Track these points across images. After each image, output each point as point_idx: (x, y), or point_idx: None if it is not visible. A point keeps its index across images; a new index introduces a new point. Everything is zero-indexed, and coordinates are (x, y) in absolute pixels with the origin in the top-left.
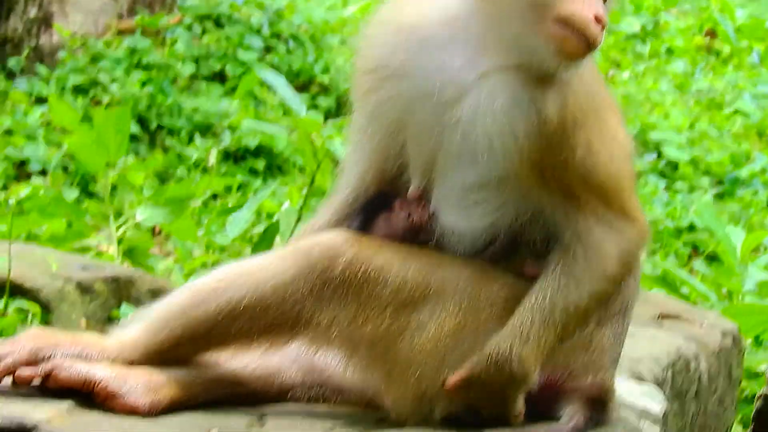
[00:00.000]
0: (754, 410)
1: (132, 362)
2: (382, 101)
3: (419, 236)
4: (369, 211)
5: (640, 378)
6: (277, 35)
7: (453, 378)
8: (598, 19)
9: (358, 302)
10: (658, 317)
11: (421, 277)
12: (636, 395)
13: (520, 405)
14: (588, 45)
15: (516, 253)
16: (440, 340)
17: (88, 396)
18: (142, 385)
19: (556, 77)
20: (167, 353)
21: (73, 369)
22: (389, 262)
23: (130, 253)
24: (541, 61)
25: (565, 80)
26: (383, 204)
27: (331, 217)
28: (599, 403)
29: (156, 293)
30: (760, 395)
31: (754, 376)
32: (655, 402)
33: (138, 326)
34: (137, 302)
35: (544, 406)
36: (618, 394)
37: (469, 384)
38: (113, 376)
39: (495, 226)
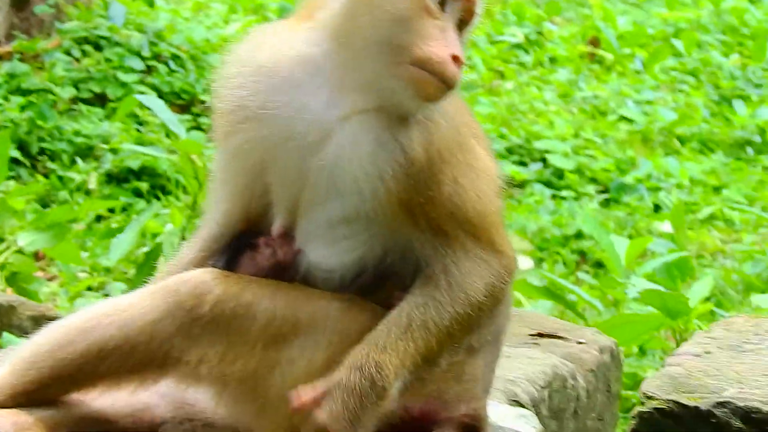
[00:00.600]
0: (629, 429)
1: None
2: (243, 143)
3: (285, 273)
4: (234, 249)
5: (515, 400)
6: (157, 56)
7: (311, 392)
8: (455, 59)
9: (227, 339)
10: (534, 336)
11: (290, 312)
12: (510, 419)
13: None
14: (447, 86)
15: (385, 285)
16: (311, 374)
17: None
18: (10, 425)
19: (417, 116)
20: (34, 394)
21: None
22: (257, 298)
23: (13, 279)
24: (400, 102)
25: (428, 118)
26: (248, 242)
27: (196, 254)
28: (473, 430)
29: (38, 320)
30: (635, 414)
31: (639, 384)
32: (529, 425)
33: (5, 367)
34: (19, 330)
35: None
36: (492, 420)
37: (329, 396)
38: None
39: (363, 260)
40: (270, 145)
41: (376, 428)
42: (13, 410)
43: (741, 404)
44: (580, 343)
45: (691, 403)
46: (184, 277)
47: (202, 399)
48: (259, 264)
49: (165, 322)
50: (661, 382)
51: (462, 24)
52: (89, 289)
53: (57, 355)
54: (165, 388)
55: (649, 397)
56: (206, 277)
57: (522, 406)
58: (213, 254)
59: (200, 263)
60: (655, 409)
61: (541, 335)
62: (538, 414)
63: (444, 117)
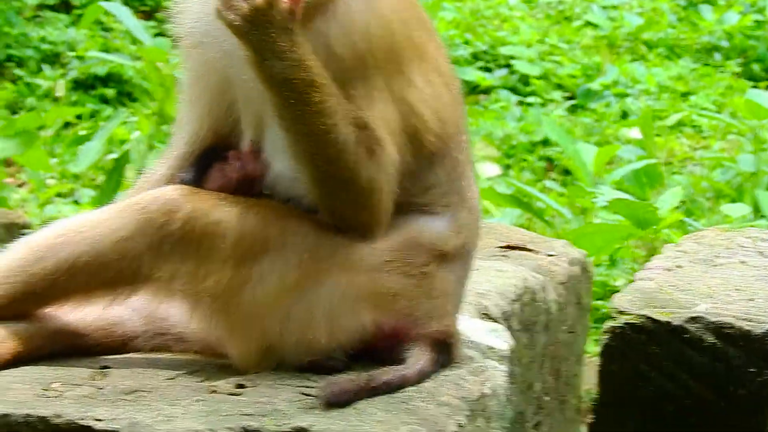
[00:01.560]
0: (601, 346)
1: None
2: (200, 65)
3: (254, 187)
4: (203, 164)
5: (486, 314)
6: None
7: None
8: None
9: (197, 256)
10: (503, 248)
11: (260, 229)
12: (482, 333)
13: None
14: None
15: None
16: (282, 291)
17: None
18: None
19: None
20: (7, 309)
21: None
22: (228, 215)
23: None
24: None
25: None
26: (218, 157)
27: (166, 171)
28: (444, 346)
29: (9, 228)
30: (607, 329)
31: (610, 294)
32: (501, 339)
33: None
34: None
35: (389, 353)
36: (464, 334)
37: None
38: None
39: None
40: (229, 63)
41: (348, 346)
42: None
43: (713, 319)
44: (550, 255)
45: (663, 318)
46: (154, 194)
47: (173, 313)
48: (228, 176)
49: (135, 239)
50: (633, 297)
51: None
52: (59, 195)
53: (28, 270)
54: (137, 303)
55: (621, 312)
56: (176, 194)
57: (493, 320)
58: (182, 170)
59: (171, 180)
60: (627, 324)
61: (510, 247)
62: (509, 328)
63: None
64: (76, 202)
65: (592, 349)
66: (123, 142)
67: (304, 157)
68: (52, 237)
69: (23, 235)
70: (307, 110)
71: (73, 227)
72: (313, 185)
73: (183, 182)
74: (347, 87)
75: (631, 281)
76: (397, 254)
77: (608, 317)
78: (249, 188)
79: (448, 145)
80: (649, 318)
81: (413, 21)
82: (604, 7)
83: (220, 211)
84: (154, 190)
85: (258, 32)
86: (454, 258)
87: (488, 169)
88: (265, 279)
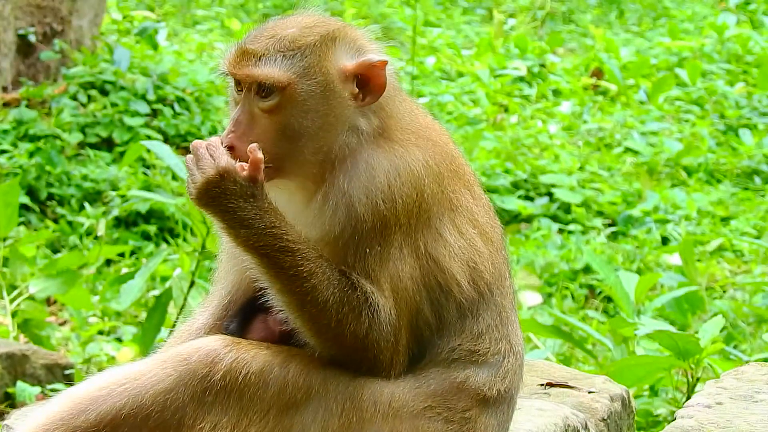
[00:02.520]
0: None
1: None
2: None
3: (296, 336)
4: (246, 314)
5: None
6: (162, 99)
7: None
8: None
9: (240, 407)
10: (545, 386)
11: (302, 378)
12: None
13: None
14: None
15: None
16: None
17: None
18: None
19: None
20: None
21: None
22: (269, 364)
23: (26, 325)
24: None
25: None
26: (259, 306)
27: (207, 320)
28: None
29: (51, 368)
30: None
31: (653, 425)
32: None
33: None
34: (32, 378)
35: None
36: None
37: None
38: None
39: None
40: None
41: None
42: None
43: None
44: (591, 392)
45: None
46: (196, 345)
47: None
48: (271, 327)
49: (177, 390)
50: None
51: (259, 95)
52: (100, 333)
53: (70, 423)
54: None
55: None
56: (217, 344)
57: None
58: (223, 320)
59: (212, 329)
60: None
61: (551, 385)
62: None
63: (402, 177)
64: (118, 340)
65: None
66: (165, 279)
67: (291, 314)
68: (94, 389)
69: (64, 375)
70: (281, 273)
71: (115, 379)
72: (309, 338)
73: (226, 332)
74: (363, 245)
75: (672, 412)
76: (439, 400)
77: None
78: (292, 338)
79: (491, 292)
80: None
81: (445, 174)
82: (644, 134)
83: (262, 361)
84: (195, 341)
85: (216, 203)
86: (497, 402)
87: (530, 299)
88: (307, 428)
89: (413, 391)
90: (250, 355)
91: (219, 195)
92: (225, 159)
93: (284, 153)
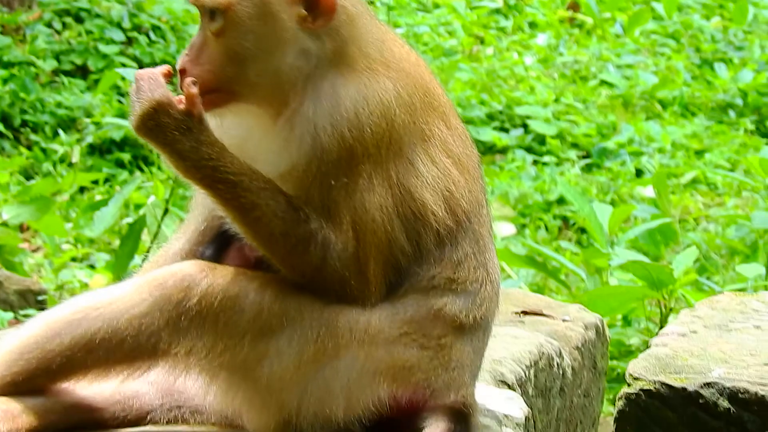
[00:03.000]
0: (615, 410)
1: None
2: None
3: (271, 266)
4: (222, 240)
5: (502, 380)
6: (137, 27)
7: None
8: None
9: (215, 332)
10: (519, 314)
11: (277, 304)
12: (497, 402)
13: None
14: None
15: None
16: (300, 366)
17: None
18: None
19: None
20: (23, 384)
21: None
22: (244, 290)
23: None
24: None
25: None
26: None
27: (183, 245)
28: (461, 416)
29: (24, 294)
30: (621, 395)
31: (625, 354)
32: (516, 407)
33: None
34: (5, 304)
35: (406, 424)
36: (480, 402)
37: None
38: None
39: None
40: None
41: (365, 418)
42: (2, 398)
43: (728, 385)
44: (565, 320)
45: (678, 384)
46: (171, 270)
47: (190, 387)
48: (246, 254)
49: (152, 315)
50: (648, 363)
51: (209, 18)
52: (73, 260)
53: (45, 346)
54: (154, 376)
55: (636, 378)
56: (193, 269)
57: (508, 386)
58: (199, 246)
59: (188, 255)
60: (642, 390)
61: (526, 313)
62: (524, 393)
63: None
64: (91, 267)
65: (606, 409)
66: (138, 206)
67: (247, 241)
68: (69, 313)
69: (37, 301)
70: (226, 204)
71: (89, 304)
72: (273, 265)
73: (202, 257)
74: (328, 177)
75: (646, 342)
76: (415, 326)
77: (623, 380)
78: (266, 266)
79: (470, 220)
80: (664, 384)
81: (418, 104)
82: (620, 66)
83: (238, 286)
84: (171, 266)
85: (153, 134)
86: (473, 329)
87: (504, 229)
88: (282, 353)
89: (389, 318)
90: (226, 281)
91: (154, 127)
92: (160, 92)
93: (232, 76)
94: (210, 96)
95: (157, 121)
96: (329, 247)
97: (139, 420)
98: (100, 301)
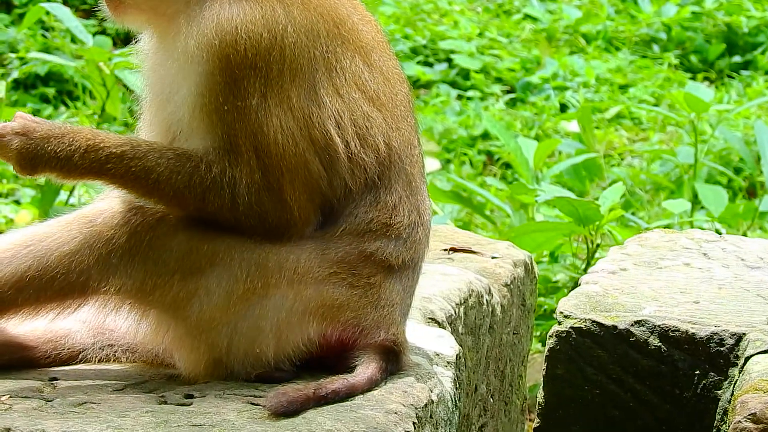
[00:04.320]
0: (546, 348)
1: None
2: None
3: None
4: None
5: (432, 318)
6: None
7: None
8: None
9: (144, 270)
10: (448, 251)
11: (206, 243)
12: (428, 340)
13: None
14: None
15: None
16: (230, 305)
17: None
18: None
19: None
20: None
21: None
22: (174, 229)
23: None
24: None
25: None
26: None
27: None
28: (392, 354)
29: None
30: (552, 333)
31: (552, 291)
32: (447, 345)
33: None
34: None
35: (337, 362)
36: (411, 341)
37: None
38: None
39: None
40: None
41: (296, 357)
42: None
43: (659, 323)
44: (494, 257)
45: (609, 322)
46: (101, 207)
47: (122, 325)
48: None
49: (82, 252)
50: (578, 301)
51: None
52: None
53: None
54: (85, 315)
55: (566, 317)
56: (123, 207)
57: (438, 324)
58: None
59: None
60: (573, 328)
61: (455, 250)
62: (454, 331)
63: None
64: (16, 203)
65: (533, 346)
66: None
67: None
68: None
69: None
70: (123, 182)
71: (19, 241)
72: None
73: None
74: (218, 98)
75: (573, 278)
76: (344, 266)
77: (550, 317)
78: None
79: (401, 161)
80: (594, 322)
81: (322, 31)
82: (543, 1)
83: (168, 226)
84: (101, 203)
85: (32, 159)
86: (402, 268)
87: (428, 164)
88: (212, 292)
89: (319, 258)
90: (156, 219)
91: (31, 150)
92: (11, 125)
93: None
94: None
95: (31, 143)
96: (235, 186)
97: (71, 359)
98: (31, 238)
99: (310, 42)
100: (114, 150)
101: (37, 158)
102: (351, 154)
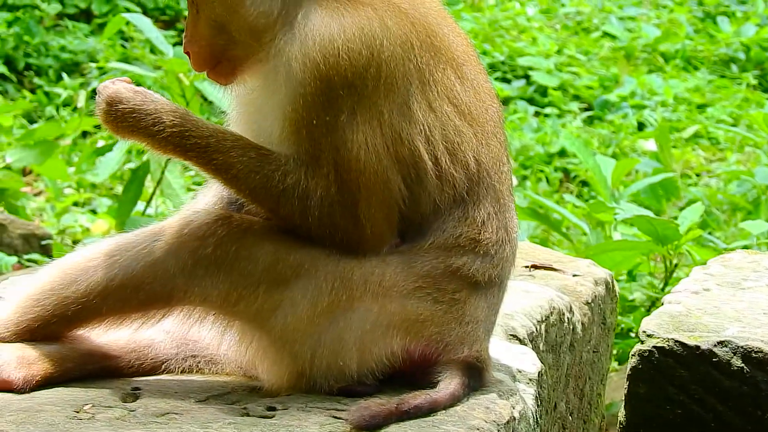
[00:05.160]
0: (628, 367)
1: (3, 339)
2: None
3: None
4: None
5: (513, 335)
6: None
7: None
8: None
9: (230, 281)
10: (530, 268)
11: (292, 254)
12: (511, 356)
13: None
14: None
15: None
16: (314, 317)
17: None
18: (15, 360)
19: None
20: (38, 331)
21: None
22: (261, 240)
23: (1, 195)
24: None
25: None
26: None
27: (209, 198)
28: (475, 370)
29: (28, 238)
30: (634, 352)
31: (629, 310)
32: (529, 362)
33: (8, 304)
34: (9, 248)
35: (420, 377)
36: (494, 357)
37: None
38: None
39: None
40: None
41: (379, 371)
42: (18, 344)
43: (742, 343)
44: (576, 275)
45: (692, 342)
46: (188, 218)
47: (205, 336)
48: None
49: (168, 262)
50: (661, 320)
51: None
52: (75, 204)
53: (60, 293)
54: (169, 325)
55: (649, 336)
56: (210, 218)
57: (519, 340)
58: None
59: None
60: (655, 347)
61: (536, 267)
62: (535, 348)
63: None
64: (93, 212)
65: (611, 365)
66: (140, 152)
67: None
68: (85, 260)
69: (41, 246)
70: (204, 169)
71: (106, 250)
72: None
73: (227, 197)
74: (311, 114)
75: (650, 297)
76: (430, 281)
77: (627, 336)
78: None
79: (490, 177)
80: (677, 342)
81: (416, 42)
82: (622, 19)
83: (254, 236)
84: (188, 214)
85: (117, 124)
86: (488, 285)
87: None
88: (296, 303)
89: (405, 272)
90: (242, 230)
91: (114, 118)
92: (109, 89)
93: (223, 43)
94: (218, 69)
95: (115, 113)
96: (308, 195)
97: (154, 369)
98: (117, 247)
99: (405, 54)
100: (199, 141)
101: (118, 127)
102: (440, 169)
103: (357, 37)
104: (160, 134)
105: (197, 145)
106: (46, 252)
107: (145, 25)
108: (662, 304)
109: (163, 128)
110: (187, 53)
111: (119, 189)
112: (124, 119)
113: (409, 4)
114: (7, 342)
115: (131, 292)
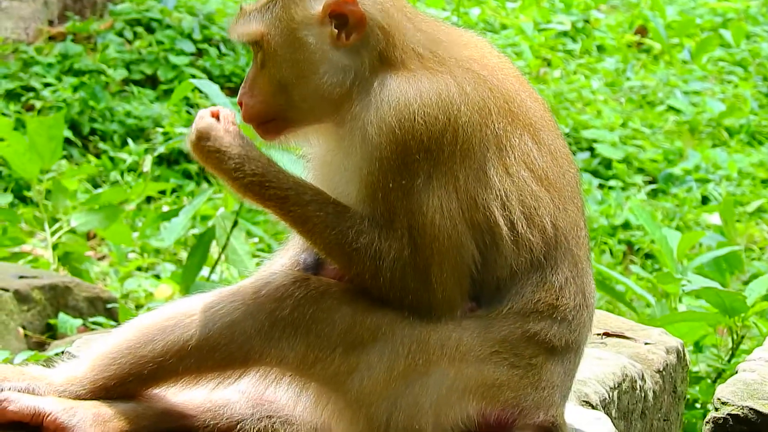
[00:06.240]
0: None
1: (79, 397)
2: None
3: None
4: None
5: (586, 401)
6: (208, 39)
7: None
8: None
9: (306, 343)
10: (602, 335)
11: (369, 317)
12: (586, 422)
13: None
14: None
15: None
16: (390, 381)
17: (36, 430)
18: (91, 418)
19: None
20: (114, 389)
21: (21, 402)
22: (338, 302)
23: (66, 258)
24: None
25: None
26: None
27: (285, 261)
28: None
29: (92, 301)
30: (709, 420)
31: (695, 380)
32: (604, 428)
33: (85, 362)
34: (74, 310)
35: None
36: (569, 422)
37: None
38: (62, 408)
39: None
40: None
41: None
42: (94, 402)
43: None
44: (647, 343)
45: (766, 410)
46: (266, 279)
47: (281, 396)
48: None
49: (245, 323)
50: (735, 388)
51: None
52: (139, 269)
53: (137, 352)
54: (245, 385)
55: (724, 403)
56: (287, 280)
57: (592, 407)
58: (302, 252)
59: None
60: (730, 415)
61: (608, 335)
62: (607, 415)
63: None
64: (156, 277)
65: None
66: (205, 218)
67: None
68: (162, 319)
69: (106, 309)
70: (283, 219)
71: (183, 310)
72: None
73: (303, 265)
74: (387, 178)
75: (716, 368)
76: (506, 346)
77: (692, 406)
78: None
79: (567, 242)
80: (752, 409)
81: (493, 108)
82: (687, 93)
83: (331, 298)
84: (265, 275)
85: (203, 157)
86: (564, 350)
87: None
88: (373, 367)
89: (481, 337)
90: (319, 292)
91: (202, 152)
92: (204, 122)
93: (282, 103)
94: (267, 125)
95: (201, 147)
96: (381, 256)
97: (229, 429)
98: (194, 308)
99: (482, 120)
100: (278, 192)
101: (202, 160)
102: (516, 234)
103: (434, 103)
104: (241, 180)
105: (276, 195)
106: (111, 315)
107: (212, 92)
108: (735, 372)
109: (244, 175)
110: (240, 104)
111: (183, 254)
112: (208, 155)
113: (488, 71)
114: (83, 399)
115: (208, 352)
